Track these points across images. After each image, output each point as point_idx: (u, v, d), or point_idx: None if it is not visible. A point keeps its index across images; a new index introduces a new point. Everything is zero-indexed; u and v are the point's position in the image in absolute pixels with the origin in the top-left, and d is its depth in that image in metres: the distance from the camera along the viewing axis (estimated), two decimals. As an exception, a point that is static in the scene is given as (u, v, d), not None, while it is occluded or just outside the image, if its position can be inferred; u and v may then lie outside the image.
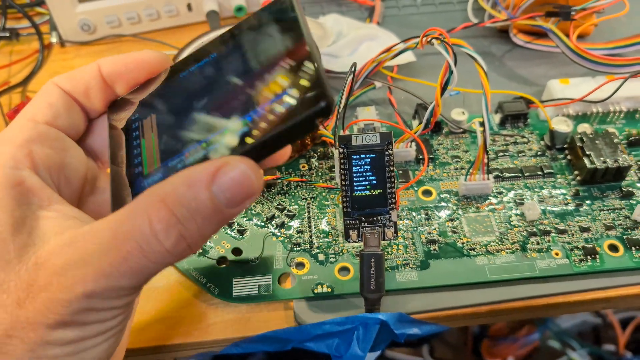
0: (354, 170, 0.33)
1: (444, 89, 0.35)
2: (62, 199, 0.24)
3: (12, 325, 0.21)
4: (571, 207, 0.38)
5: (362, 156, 0.33)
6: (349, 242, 0.33)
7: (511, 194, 0.38)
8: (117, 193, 0.26)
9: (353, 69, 0.36)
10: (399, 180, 0.39)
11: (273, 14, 0.25)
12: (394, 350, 0.85)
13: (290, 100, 0.23)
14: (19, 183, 0.23)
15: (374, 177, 0.32)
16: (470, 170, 0.38)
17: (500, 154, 0.41)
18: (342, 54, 0.46)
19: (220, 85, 0.25)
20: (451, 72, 0.35)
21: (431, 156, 0.41)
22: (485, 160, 0.37)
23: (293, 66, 0.23)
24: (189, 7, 0.51)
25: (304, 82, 0.23)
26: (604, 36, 0.49)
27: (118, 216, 0.22)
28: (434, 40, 0.36)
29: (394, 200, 0.32)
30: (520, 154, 0.41)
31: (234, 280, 0.35)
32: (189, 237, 0.22)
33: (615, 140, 0.39)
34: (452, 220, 0.37)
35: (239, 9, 0.51)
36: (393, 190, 0.32)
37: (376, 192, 0.32)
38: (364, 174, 0.33)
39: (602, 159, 0.38)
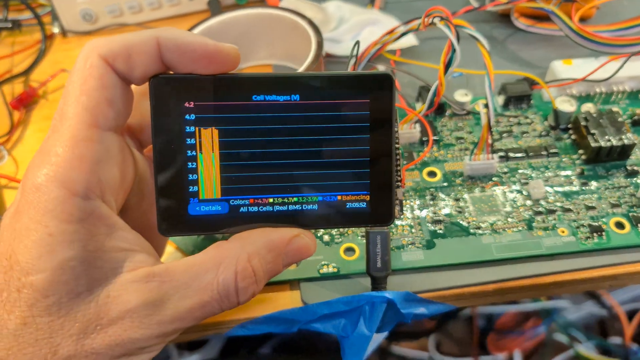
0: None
1: (447, 67, 0.35)
2: (124, 223, 0.24)
3: (76, 352, 0.21)
4: (576, 186, 0.38)
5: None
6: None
7: (516, 174, 0.38)
8: (167, 213, 0.25)
9: (356, 50, 0.36)
10: (403, 162, 0.39)
11: (370, 90, 0.25)
12: (400, 344, 0.85)
13: (362, 205, 0.26)
14: (90, 214, 0.22)
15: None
16: (475, 150, 0.38)
17: (505, 134, 0.41)
18: (344, 38, 0.46)
19: (300, 140, 0.25)
20: (454, 51, 0.35)
21: (435, 138, 0.41)
22: (490, 140, 0.37)
23: (375, 166, 0.25)
24: (190, -5, 0.52)
25: (379, 192, 0.26)
26: (606, 19, 0.49)
27: (198, 263, 0.23)
28: (436, 20, 0.36)
29: (399, 178, 0.32)
30: (524, 135, 0.41)
31: (240, 261, 0.35)
32: (256, 292, 0.24)
33: (620, 119, 0.39)
34: (457, 200, 0.37)
35: (240, -4, 0.51)
36: (398, 168, 0.32)
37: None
38: None
39: (606, 137, 0.38)
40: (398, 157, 0.32)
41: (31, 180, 0.21)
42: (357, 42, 0.35)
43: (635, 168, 0.38)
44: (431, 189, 0.38)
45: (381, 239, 0.32)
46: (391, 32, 0.40)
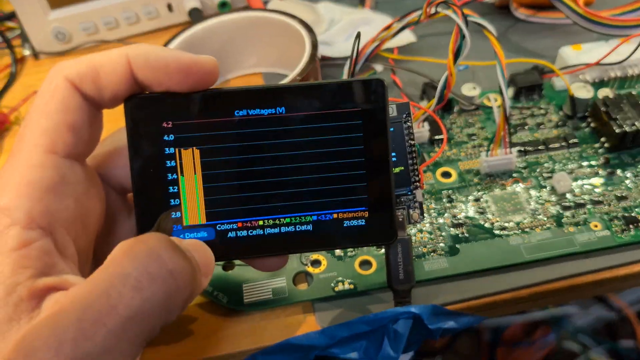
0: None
1: (456, 56, 0.33)
2: (69, 265, 0.21)
3: None
4: (603, 176, 0.35)
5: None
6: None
7: (537, 168, 0.35)
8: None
9: (357, 44, 0.33)
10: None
11: (361, 96, 0.23)
12: (407, 365, 0.81)
13: (360, 222, 0.24)
14: (25, 244, 0.19)
15: (393, 154, 0.29)
16: (491, 146, 0.35)
17: (519, 128, 0.38)
18: (336, 40, 0.44)
19: (288, 156, 0.23)
20: (463, 37, 0.32)
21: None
22: (507, 134, 0.34)
23: (372, 179, 0.24)
24: (169, 7, 0.48)
25: (379, 207, 0.24)
26: (606, 5, 0.47)
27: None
28: (440, 8, 0.33)
29: (417, 179, 0.29)
30: (540, 126, 0.38)
31: (244, 285, 0.31)
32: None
33: (641, 102, 0.36)
34: (477, 200, 0.34)
35: (223, 4, 0.48)
36: (416, 167, 0.29)
37: (397, 170, 0.29)
38: None
39: (629, 121, 0.35)
40: (415, 155, 0.29)
41: None
42: (358, 34, 0.32)
43: (664, 153, 0.35)
44: (447, 191, 0.35)
45: (402, 247, 0.29)
46: (388, 27, 0.37)
